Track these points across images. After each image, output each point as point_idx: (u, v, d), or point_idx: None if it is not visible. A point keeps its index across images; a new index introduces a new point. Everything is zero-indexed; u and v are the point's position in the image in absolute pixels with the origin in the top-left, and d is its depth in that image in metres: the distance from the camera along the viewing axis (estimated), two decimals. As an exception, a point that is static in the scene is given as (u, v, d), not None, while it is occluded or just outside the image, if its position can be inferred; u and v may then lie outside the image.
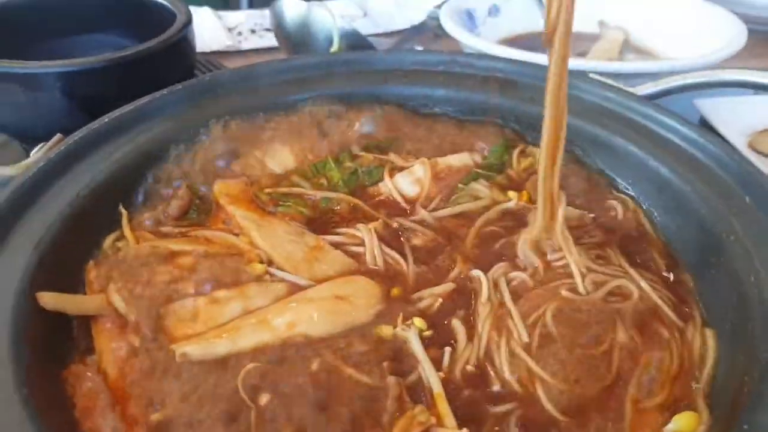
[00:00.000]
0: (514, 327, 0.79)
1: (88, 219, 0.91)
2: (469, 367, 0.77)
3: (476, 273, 0.87)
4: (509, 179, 1.09)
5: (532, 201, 1.02)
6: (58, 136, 0.96)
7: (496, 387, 0.75)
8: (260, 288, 0.87)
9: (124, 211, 0.98)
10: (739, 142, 1.26)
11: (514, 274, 0.87)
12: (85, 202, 0.90)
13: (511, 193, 1.03)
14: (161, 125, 1.06)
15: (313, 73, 1.21)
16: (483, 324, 0.80)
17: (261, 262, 0.91)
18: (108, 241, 0.93)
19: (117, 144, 1.00)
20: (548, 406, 0.72)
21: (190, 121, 1.08)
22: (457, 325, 0.81)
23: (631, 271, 0.88)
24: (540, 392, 0.73)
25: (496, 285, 0.86)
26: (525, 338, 0.78)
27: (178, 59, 1.32)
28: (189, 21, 1.35)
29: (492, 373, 0.76)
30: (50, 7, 1.45)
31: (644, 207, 1.02)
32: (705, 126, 1.35)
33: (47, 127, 1.05)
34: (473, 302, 0.85)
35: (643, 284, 0.85)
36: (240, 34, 1.96)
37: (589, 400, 0.73)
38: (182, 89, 1.10)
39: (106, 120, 1.00)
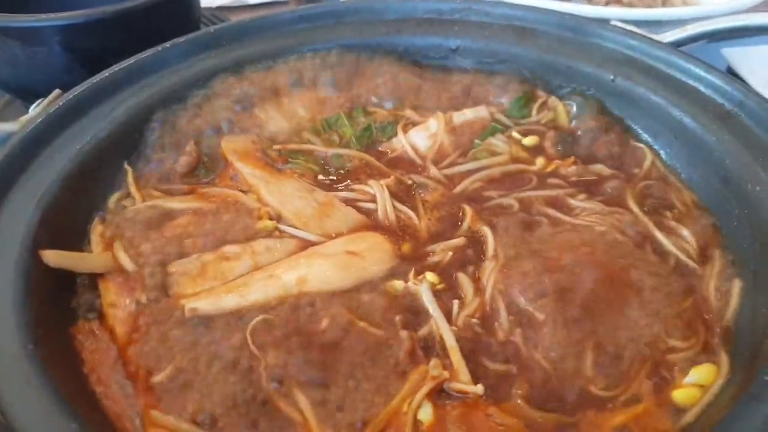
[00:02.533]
0: (516, 283, 0.76)
1: (92, 176, 0.89)
2: (474, 321, 0.75)
3: (484, 228, 0.85)
4: (528, 133, 1.05)
5: (550, 158, 0.99)
6: (56, 91, 0.93)
7: (499, 342, 0.73)
8: (270, 244, 0.85)
9: (129, 168, 0.96)
10: (765, 92, 1.21)
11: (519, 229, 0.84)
12: (87, 159, 0.88)
13: (539, 160, 0.99)
14: (165, 79, 1.03)
15: (323, 23, 1.16)
16: (488, 279, 0.78)
17: (270, 218, 0.89)
18: (113, 199, 0.92)
19: (119, 99, 0.98)
20: (544, 364, 0.70)
21: (196, 75, 1.05)
22: (464, 279, 0.79)
23: (644, 218, 0.85)
24: (537, 352, 0.71)
25: (502, 239, 0.83)
26: (523, 294, 0.75)
27: (182, 12, 1.27)
28: (193, -27, 1.31)
29: (497, 328, 0.74)
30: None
31: (667, 158, 0.97)
32: (732, 75, 1.29)
33: (47, 83, 1.02)
34: (483, 256, 0.82)
35: (657, 234, 0.83)
36: (247, -12, 1.90)
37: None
38: (186, 42, 1.07)
39: (108, 74, 0.98)
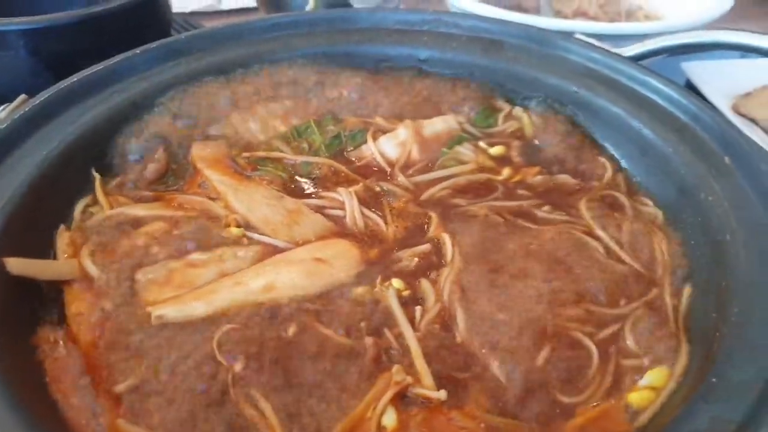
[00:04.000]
0: (471, 288, 0.79)
1: (59, 183, 0.89)
2: (436, 326, 0.76)
3: (444, 235, 0.87)
4: (495, 143, 1.07)
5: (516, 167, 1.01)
6: (22, 96, 0.92)
7: (459, 347, 0.75)
8: (237, 251, 0.86)
9: (96, 175, 0.95)
10: (723, 105, 1.25)
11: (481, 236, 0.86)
12: (54, 165, 0.88)
13: (506, 170, 1.01)
14: (135, 85, 1.03)
15: (294, 31, 1.17)
16: (444, 285, 0.80)
17: (238, 225, 0.89)
18: (80, 206, 0.91)
19: (87, 105, 0.97)
20: (500, 368, 0.72)
21: (166, 82, 1.05)
22: (426, 285, 0.81)
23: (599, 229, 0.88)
24: (494, 357, 0.73)
25: (461, 246, 0.85)
26: (478, 299, 0.77)
27: (152, 17, 1.27)
28: (163, -22, 1.31)
29: (456, 333, 0.76)
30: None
31: (628, 168, 1.01)
32: (691, 89, 1.34)
33: (13, 87, 1.00)
34: (443, 263, 0.84)
35: (612, 244, 0.86)
36: (220, -7, 1.90)
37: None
38: (157, 48, 1.07)
39: (76, 79, 0.97)
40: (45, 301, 0.78)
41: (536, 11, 1.52)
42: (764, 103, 1.23)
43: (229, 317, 0.76)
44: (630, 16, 1.51)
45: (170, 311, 0.77)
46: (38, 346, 0.72)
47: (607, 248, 0.85)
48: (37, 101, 0.92)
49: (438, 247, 0.87)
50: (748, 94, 1.29)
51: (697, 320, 0.76)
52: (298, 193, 0.96)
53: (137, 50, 1.04)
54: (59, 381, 0.70)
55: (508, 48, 1.13)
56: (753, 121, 1.24)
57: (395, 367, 0.71)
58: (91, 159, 0.95)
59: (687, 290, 0.80)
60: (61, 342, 0.74)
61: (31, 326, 0.74)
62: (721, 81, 1.30)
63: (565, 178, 1.00)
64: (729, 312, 0.69)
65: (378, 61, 1.16)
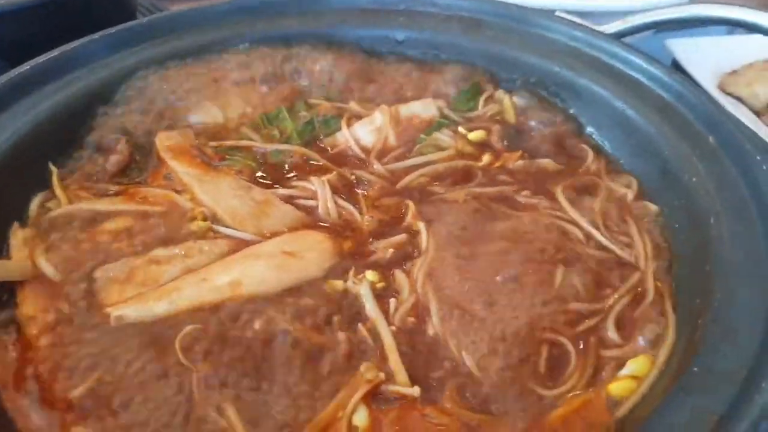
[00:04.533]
0: (445, 278, 0.75)
1: (12, 177, 0.84)
2: (411, 319, 0.73)
3: (419, 224, 0.83)
4: (475, 128, 1.02)
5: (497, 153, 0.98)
6: (-28, 86, 0.87)
7: (433, 340, 0.71)
8: (203, 246, 0.82)
9: (54, 168, 0.90)
10: (709, 84, 1.22)
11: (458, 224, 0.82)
12: (7, 159, 0.83)
13: (486, 156, 0.97)
14: (94, 73, 0.98)
15: (262, 14, 1.13)
16: (418, 275, 0.76)
17: (204, 219, 0.85)
18: (36, 201, 0.87)
19: (43, 94, 0.93)
20: (474, 361, 0.69)
21: (127, 68, 1.01)
22: (401, 276, 0.77)
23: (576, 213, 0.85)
24: (468, 349, 0.70)
25: (437, 235, 0.81)
26: (451, 290, 0.74)
27: (115, 2, 1.21)
28: (126, -41, 1.25)
29: (429, 326, 0.72)
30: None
31: (611, 149, 0.97)
32: (677, 67, 1.30)
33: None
34: (418, 253, 0.81)
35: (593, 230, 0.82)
36: (191, -23, 1.83)
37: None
38: (117, 33, 1.02)
39: (30, 67, 0.92)
40: (-3, 302, 0.74)
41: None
42: (750, 81, 1.20)
43: (194, 316, 0.72)
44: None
45: (131, 311, 0.73)
46: (-12, 352, 0.68)
47: (587, 235, 0.82)
48: (-13, 91, 0.86)
49: (414, 237, 0.83)
50: (734, 72, 1.26)
51: (681, 307, 0.74)
52: (269, 183, 0.92)
53: (96, 35, 0.99)
54: (10, 388, 0.66)
55: (487, 27, 1.09)
56: (739, 99, 1.21)
57: (364, 365, 0.68)
58: (48, 151, 0.91)
59: (670, 276, 0.77)
60: (11, 347, 0.69)
61: (-19, 331, 0.70)
62: (707, 59, 1.27)
63: (547, 163, 0.96)
64: (712, 298, 0.66)
65: (353, 44, 1.12)
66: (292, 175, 0.94)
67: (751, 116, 1.18)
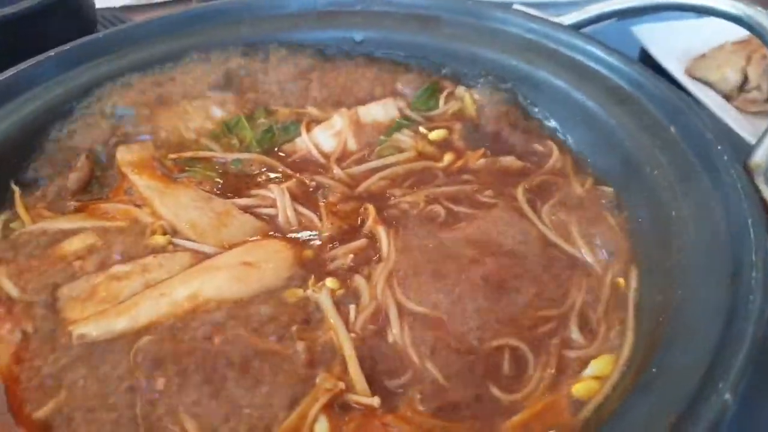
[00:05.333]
0: (404, 284, 0.75)
1: (-29, 199, 0.83)
2: (371, 326, 0.72)
3: (378, 228, 0.82)
4: (435, 127, 1.02)
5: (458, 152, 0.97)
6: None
7: (392, 347, 0.71)
8: (162, 260, 0.81)
9: (16, 188, 0.90)
10: (677, 69, 1.21)
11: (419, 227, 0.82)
12: (-35, 181, 0.82)
13: (447, 156, 0.96)
14: (50, 91, 0.98)
15: (219, 21, 1.12)
16: (378, 281, 0.76)
17: (165, 233, 0.85)
18: (-1, 222, 0.86)
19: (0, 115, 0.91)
20: (434, 368, 0.68)
21: (84, 84, 1.00)
22: (361, 282, 0.77)
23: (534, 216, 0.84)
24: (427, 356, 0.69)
25: (397, 240, 0.81)
26: (409, 296, 0.74)
27: (71, 15, 1.20)
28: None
29: (389, 333, 0.72)
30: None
31: (573, 144, 0.96)
32: (645, 54, 1.29)
33: None
34: (378, 258, 0.80)
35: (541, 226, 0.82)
36: (152, -15, 1.82)
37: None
38: (72, 49, 1.01)
39: (-18, 88, 0.91)
40: (-45, 327, 0.74)
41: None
42: (720, 64, 1.19)
43: (154, 330, 0.72)
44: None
45: (92, 329, 0.73)
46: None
47: (545, 236, 0.81)
48: (-61, 114, 0.86)
49: (375, 242, 0.82)
50: (703, 56, 1.25)
51: (643, 304, 0.73)
52: (230, 193, 0.91)
53: (51, 52, 0.98)
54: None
55: (445, 24, 1.08)
56: (708, 83, 1.20)
57: (321, 375, 0.67)
58: (8, 172, 0.91)
59: (633, 273, 0.76)
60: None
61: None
62: (675, 43, 1.26)
63: (510, 161, 0.95)
64: (673, 294, 0.65)
65: (310, 47, 1.11)
66: (253, 183, 0.93)
67: (720, 101, 1.17)
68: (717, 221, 0.69)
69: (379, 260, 0.80)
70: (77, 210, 0.91)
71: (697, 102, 1.14)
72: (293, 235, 0.85)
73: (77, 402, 0.66)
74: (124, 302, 0.76)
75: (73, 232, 0.85)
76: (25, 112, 0.94)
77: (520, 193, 0.87)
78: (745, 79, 1.20)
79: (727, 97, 1.20)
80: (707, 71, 1.21)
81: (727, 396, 0.51)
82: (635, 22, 1.31)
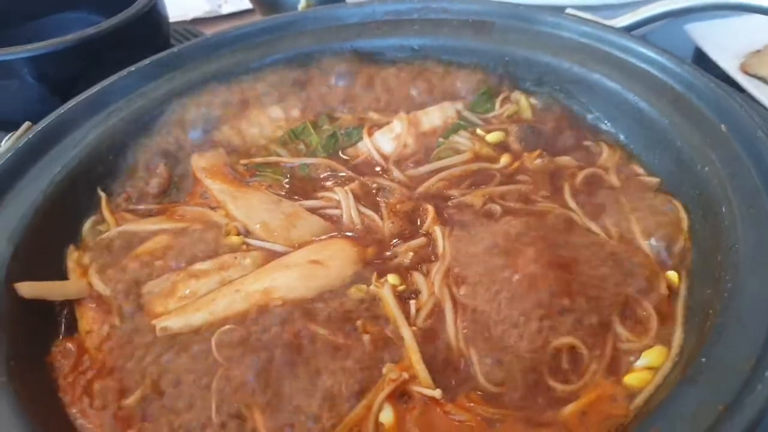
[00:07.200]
0: (461, 280, 0.79)
1: (65, 204, 0.92)
2: (430, 321, 0.77)
3: (435, 227, 0.87)
4: (492, 129, 1.05)
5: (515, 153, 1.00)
6: (26, 123, 0.96)
7: (452, 339, 0.75)
8: (237, 258, 0.88)
9: (102, 194, 0.99)
10: (732, 66, 1.21)
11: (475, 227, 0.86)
12: (59, 189, 0.91)
13: (504, 157, 0.99)
14: (132, 103, 1.06)
15: (285, 33, 1.18)
16: (435, 278, 0.80)
17: (238, 233, 0.92)
18: (88, 225, 0.95)
19: (88, 126, 1.01)
20: (490, 359, 0.72)
21: (162, 96, 1.08)
22: (420, 279, 0.81)
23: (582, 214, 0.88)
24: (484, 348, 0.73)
25: (453, 238, 0.85)
26: (467, 291, 0.78)
27: (149, 32, 1.30)
28: (156, -8, 1.33)
29: (446, 327, 0.76)
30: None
31: (627, 143, 0.99)
32: (699, 52, 1.29)
33: (23, 112, 1.04)
34: (435, 256, 0.84)
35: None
36: (221, -4, 1.92)
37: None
38: (149, 64, 1.10)
39: (74, 103, 1.01)
40: (58, 319, 0.83)
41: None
42: (775, 60, 1.18)
43: (228, 323, 0.78)
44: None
45: (174, 323, 0.79)
46: (52, 364, 0.77)
47: (605, 231, 0.84)
48: (39, 128, 0.95)
49: (433, 241, 0.87)
50: (757, 52, 1.24)
51: (694, 296, 0.75)
52: (297, 195, 0.98)
53: (132, 68, 1.07)
54: (74, 398, 0.74)
55: (499, 29, 1.11)
56: (763, 79, 1.19)
57: (387, 366, 0.72)
58: (95, 179, 0.99)
59: (684, 267, 0.79)
60: (74, 358, 0.78)
61: (45, 345, 0.79)
62: (728, 40, 1.25)
63: (566, 160, 0.98)
64: (722, 287, 0.68)
65: (371, 55, 1.16)
66: (319, 186, 0.99)
67: (777, 96, 1.16)
68: (765, 216, 0.71)
69: (436, 258, 0.84)
70: (157, 212, 0.98)
71: (752, 98, 1.14)
72: (357, 234, 0.90)
73: (163, 390, 0.73)
74: (202, 298, 0.83)
75: (154, 233, 0.92)
76: (111, 124, 1.02)
77: (567, 189, 0.90)
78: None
79: (785, 93, 1.19)
80: (762, 67, 1.20)
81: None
82: (689, 20, 1.31)
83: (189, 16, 1.75)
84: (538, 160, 0.98)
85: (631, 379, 0.70)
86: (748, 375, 0.57)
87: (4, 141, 0.95)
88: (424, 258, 0.85)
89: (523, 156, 0.99)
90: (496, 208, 0.90)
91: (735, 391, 0.56)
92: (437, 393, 0.70)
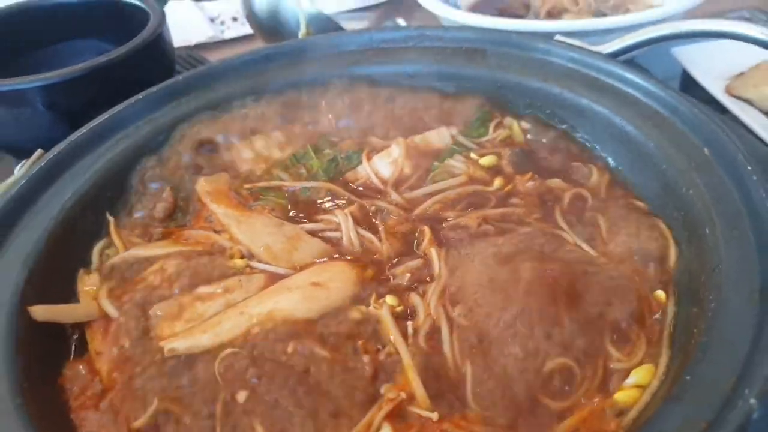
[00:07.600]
0: (455, 301, 0.82)
1: (76, 230, 0.96)
2: (428, 341, 0.80)
3: (431, 249, 0.90)
4: (486, 153, 1.09)
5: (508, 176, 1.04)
6: (39, 151, 1.00)
7: (448, 359, 0.78)
8: (241, 281, 0.91)
9: (111, 219, 1.02)
10: (717, 88, 1.25)
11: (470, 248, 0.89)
12: (70, 215, 0.95)
13: (497, 180, 1.03)
14: (140, 129, 1.10)
15: (285, 60, 1.23)
16: (431, 299, 0.83)
17: (242, 256, 0.95)
18: (97, 249, 0.98)
19: (98, 154, 1.05)
20: (489, 377, 0.75)
21: (168, 122, 1.12)
22: (416, 300, 0.85)
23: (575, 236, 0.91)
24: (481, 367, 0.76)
25: (448, 259, 0.89)
26: (461, 311, 0.81)
27: (156, 59, 1.34)
28: (162, 20, 1.37)
29: (442, 347, 0.79)
30: (28, 19, 1.48)
31: (615, 166, 1.03)
32: (686, 75, 1.34)
33: (35, 140, 1.09)
34: (431, 277, 0.88)
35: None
36: (222, 23, 1.98)
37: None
38: (157, 91, 1.14)
39: (84, 131, 1.04)
40: (69, 342, 0.86)
41: (526, 12, 1.54)
42: (757, 82, 1.22)
43: (235, 346, 0.81)
44: (618, 8, 1.50)
45: (181, 344, 0.82)
46: (64, 387, 0.80)
47: (595, 251, 0.88)
48: (51, 156, 0.99)
49: (429, 262, 0.90)
50: (741, 75, 1.28)
51: (680, 315, 0.78)
52: (299, 219, 1.01)
53: (139, 96, 1.11)
54: (85, 420, 0.76)
55: (491, 56, 1.15)
56: (748, 101, 1.24)
57: (385, 386, 0.75)
58: (104, 204, 1.02)
59: (670, 287, 0.82)
60: (85, 381, 0.81)
61: (57, 367, 0.82)
62: (714, 63, 1.30)
63: (557, 182, 1.01)
64: (706, 306, 0.71)
65: (368, 81, 1.20)
66: (320, 209, 1.02)
67: (762, 118, 1.20)
68: (747, 238, 0.74)
69: (432, 279, 0.87)
70: (163, 236, 1.01)
71: (736, 120, 1.18)
72: (356, 255, 0.94)
73: (171, 412, 0.75)
74: (208, 320, 0.86)
75: (161, 257, 0.95)
76: (119, 150, 1.06)
77: (558, 212, 0.94)
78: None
79: (768, 114, 1.23)
80: (747, 90, 1.24)
81: (753, 401, 0.56)
82: (675, 44, 1.36)
83: (192, 41, 1.80)
84: (530, 183, 1.01)
85: (621, 396, 0.73)
86: (729, 393, 0.60)
87: (17, 168, 0.99)
88: (421, 279, 0.88)
89: (515, 179, 1.03)
90: (490, 229, 0.94)
91: (717, 409, 0.59)
92: (434, 416, 0.72)
